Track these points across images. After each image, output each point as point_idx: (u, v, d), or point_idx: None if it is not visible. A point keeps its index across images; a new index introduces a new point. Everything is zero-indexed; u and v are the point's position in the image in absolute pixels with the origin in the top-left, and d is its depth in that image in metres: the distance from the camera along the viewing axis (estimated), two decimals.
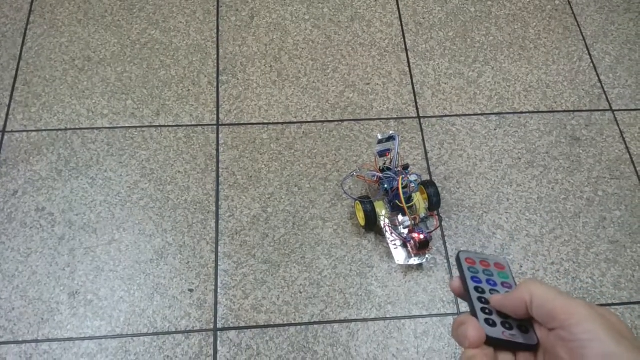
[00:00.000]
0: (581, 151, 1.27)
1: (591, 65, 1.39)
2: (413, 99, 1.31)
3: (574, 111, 1.32)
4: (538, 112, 1.31)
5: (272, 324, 1.03)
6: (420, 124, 1.27)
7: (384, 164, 1.12)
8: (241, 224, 1.13)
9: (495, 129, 1.28)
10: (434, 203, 1.11)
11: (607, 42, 1.44)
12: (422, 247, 1.05)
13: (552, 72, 1.37)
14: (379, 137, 1.06)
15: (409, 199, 1.07)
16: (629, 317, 1.08)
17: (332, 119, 1.26)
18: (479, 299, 0.40)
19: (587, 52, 1.41)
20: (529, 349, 0.38)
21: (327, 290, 1.07)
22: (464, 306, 1.07)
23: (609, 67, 1.39)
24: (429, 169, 1.21)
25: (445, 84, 1.33)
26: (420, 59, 1.37)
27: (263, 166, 1.19)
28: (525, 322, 0.39)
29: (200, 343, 1.01)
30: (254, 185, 1.17)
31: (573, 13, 1.48)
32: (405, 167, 1.10)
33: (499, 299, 0.39)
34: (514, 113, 1.31)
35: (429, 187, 1.11)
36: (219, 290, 1.06)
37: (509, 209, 1.18)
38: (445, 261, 1.11)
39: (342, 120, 1.26)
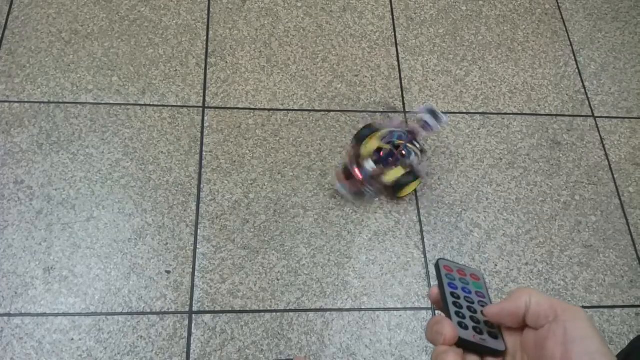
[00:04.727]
0: (561, 155, 1.29)
1: (576, 70, 1.41)
2: (400, 93, 1.31)
3: (556, 115, 1.34)
4: (522, 114, 1.33)
5: (247, 309, 1.04)
6: (406, 119, 1.28)
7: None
8: (222, 208, 1.13)
9: (478, 129, 1.29)
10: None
11: (594, 48, 1.45)
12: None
13: (538, 76, 1.39)
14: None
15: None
16: (598, 321, 1.11)
17: (319, 109, 1.26)
18: (454, 304, 0.42)
19: (573, 57, 1.43)
20: (496, 354, 0.39)
21: (304, 278, 1.08)
22: None
23: (594, 74, 1.41)
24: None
25: (433, 80, 1.34)
26: (409, 54, 1.37)
27: (247, 152, 1.19)
28: (495, 330, 0.41)
29: (174, 325, 1.01)
30: (237, 170, 1.17)
31: (562, 18, 1.49)
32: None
33: (496, 309, 0.40)
34: (498, 114, 1.32)
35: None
36: (196, 274, 1.06)
37: (488, 208, 1.20)
38: (422, 256, 1.13)
39: (329, 111, 1.26)
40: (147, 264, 1.06)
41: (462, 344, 0.39)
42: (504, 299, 0.40)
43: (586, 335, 0.35)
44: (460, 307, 0.41)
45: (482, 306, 0.42)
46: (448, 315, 0.41)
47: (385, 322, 1.05)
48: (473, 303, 0.42)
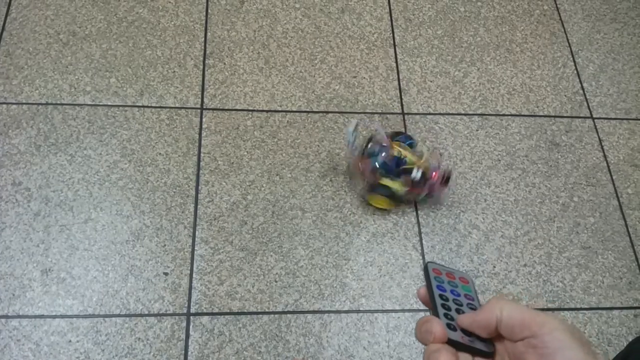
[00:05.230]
0: (559, 156, 1.29)
1: (575, 72, 1.41)
2: (398, 94, 1.31)
3: (555, 116, 1.34)
4: (520, 115, 1.33)
5: (245, 311, 1.03)
6: (404, 120, 1.28)
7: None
8: (220, 209, 1.12)
9: (477, 130, 1.29)
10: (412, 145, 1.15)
11: (592, 50, 1.45)
12: (446, 181, 1.11)
13: (536, 77, 1.39)
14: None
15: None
16: (596, 322, 1.11)
17: (317, 110, 1.26)
18: (443, 306, 0.43)
19: (571, 58, 1.43)
20: (485, 355, 0.40)
21: (302, 280, 1.08)
22: None
23: (592, 75, 1.41)
24: None
25: (431, 81, 1.34)
26: (407, 55, 1.37)
27: (245, 153, 1.19)
28: None
29: (172, 327, 1.01)
30: (235, 172, 1.17)
31: (560, 19, 1.49)
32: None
33: (468, 320, 0.40)
34: (496, 115, 1.32)
35: (397, 136, 1.16)
36: (194, 275, 1.06)
37: (486, 209, 1.20)
38: (421, 257, 1.13)
39: (327, 112, 1.26)
40: (144, 265, 1.06)
41: (452, 344, 0.39)
42: (478, 310, 0.40)
43: (566, 346, 0.35)
44: (449, 309, 0.42)
45: (471, 309, 0.43)
46: (437, 316, 0.41)
47: (384, 324, 1.05)
48: (462, 305, 0.43)
